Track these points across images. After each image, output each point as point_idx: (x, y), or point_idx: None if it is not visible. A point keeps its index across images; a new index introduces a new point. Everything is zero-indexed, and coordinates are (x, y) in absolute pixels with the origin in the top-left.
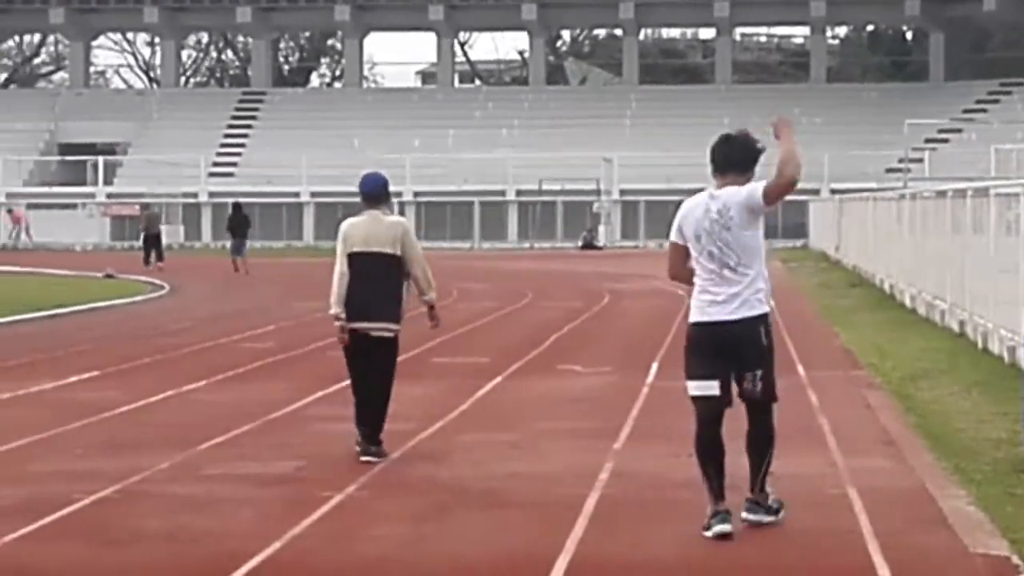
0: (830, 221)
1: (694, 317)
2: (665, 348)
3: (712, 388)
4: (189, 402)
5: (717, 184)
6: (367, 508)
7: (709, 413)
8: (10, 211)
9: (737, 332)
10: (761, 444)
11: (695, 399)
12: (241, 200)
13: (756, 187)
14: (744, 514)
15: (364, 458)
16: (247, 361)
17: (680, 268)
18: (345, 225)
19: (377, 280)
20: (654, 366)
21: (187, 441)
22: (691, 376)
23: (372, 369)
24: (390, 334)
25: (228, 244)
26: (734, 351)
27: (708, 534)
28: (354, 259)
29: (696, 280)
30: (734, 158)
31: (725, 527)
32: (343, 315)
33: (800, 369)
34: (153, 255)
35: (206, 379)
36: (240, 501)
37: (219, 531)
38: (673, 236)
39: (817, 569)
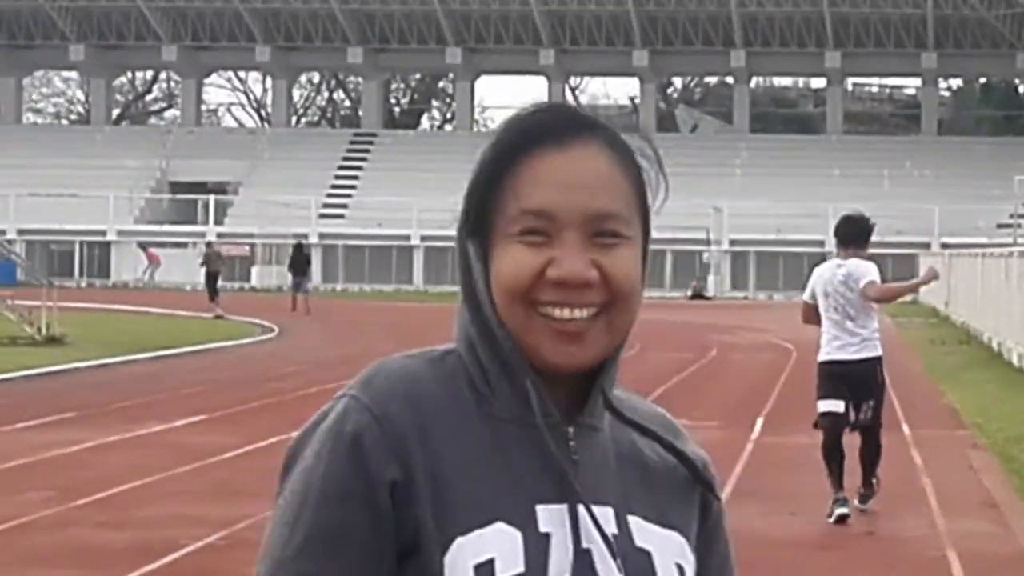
0: (940, 276)
1: (824, 357)
2: (771, 404)
3: (838, 406)
4: None
5: (840, 255)
6: None
7: (833, 426)
8: (144, 248)
9: (858, 370)
10: (870, 455)
11: (823, 414)
12: (304, 241)
13: (866, 281)
14: (858, 504)
15: None
16: None
17: (810, 318)
18: None
19: None
20: (759, 422)
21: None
22: (821, 397)
23: None
24: None
25: (290, 282)
26: (855, 384)
27: (831, 519)
28: None
29: (825, 328)
30: (853, 235)
31: (844, 510)
32: None
33: (905, 427)
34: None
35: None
36: None
37: None
38: (806, 296)
39: None
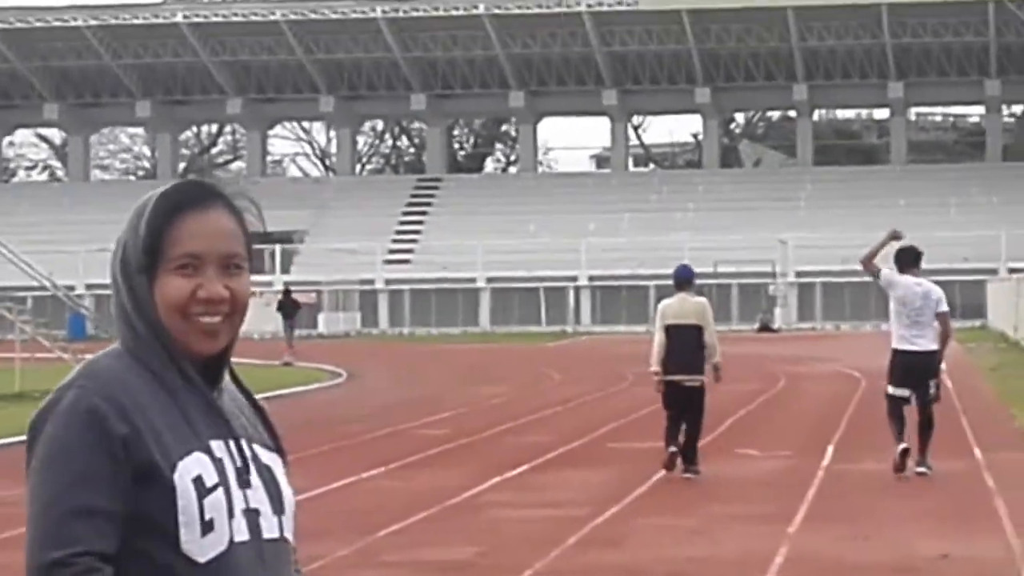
0: (1009, 301)
1: (898, 346)
2: (841, 431)
3: (904, 392)
4: (367, 489)
5: (906, 273)
6: None
7: (897, 405)
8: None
9: (923, 358)
10: (926, 428)
11: (891, 397)
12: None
13: (944, 308)
14: (916, 468)
15: (687, 475)
16: (423, 448)
17: (872, 267)
18: (662, 305)
19: (687, 344)
20: (830, 449)
21: (366, 528)
22: (892, 383)
23: (685, 410)
24: (698, 383)
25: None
26: (919, 370)
27: (896, 456)
28: (669, 330)
29: (898, 324)
30: (911, 261)
31: (905, 445)
32: (660, 371)
33: (976, 451)
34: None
35: (383, 466)
36: None
37: None
38: (886, 270)
39: None
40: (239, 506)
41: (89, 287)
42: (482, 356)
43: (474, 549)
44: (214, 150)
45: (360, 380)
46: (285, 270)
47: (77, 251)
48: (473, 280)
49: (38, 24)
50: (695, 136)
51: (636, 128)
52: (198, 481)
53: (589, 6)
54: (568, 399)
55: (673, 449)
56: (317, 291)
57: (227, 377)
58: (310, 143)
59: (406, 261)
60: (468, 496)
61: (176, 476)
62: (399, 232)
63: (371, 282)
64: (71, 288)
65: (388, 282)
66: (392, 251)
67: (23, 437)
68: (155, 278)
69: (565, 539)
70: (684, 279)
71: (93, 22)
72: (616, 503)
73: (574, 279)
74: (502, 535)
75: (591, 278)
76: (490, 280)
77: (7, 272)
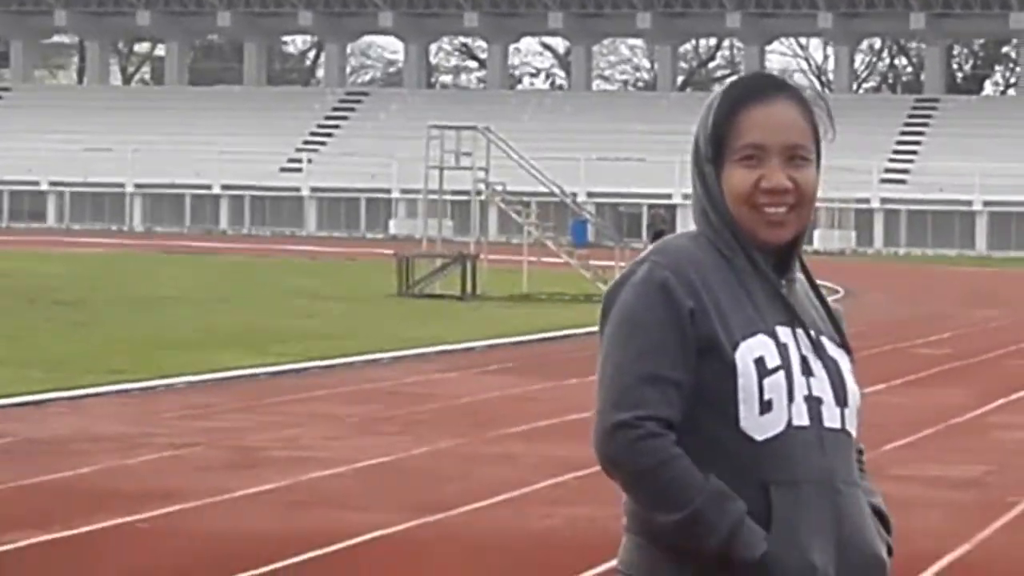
0: None
1: None
2: None
3: None
4: (871, 404)
5: None
6: None
7: None
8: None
9: None
10: None
11: None
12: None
13: None
14: None
15: None
16: (926, 366)
17: None
18: None
19: None
20: None
21: (872, 442)
22: None
23: None
24: None
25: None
26: None
27: None
28: None
29: None
30: None
31: None
32: None
33: None
34: None
35: (885, 383)
36: (929, 503)
37: (907, 531)
38: None
39: None
40: (800, 391)
41: (591, 195)
42: (979, 279)
43: (983, 467)
44: (712, 64)
45: (857, 297)
46: None
47: (578, 159)
48: (970, 203)
49: None
50: None
51: None
52: (760, 362)
53: None
54: None
55: None
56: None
57: (799, 270)
58: (807, 59)
59: (902, 181)
60: (973, 416)
61: (738, 355)
62: (896, 152)
63: (867, 201)
64: (574, 195)
65: (884, 201)
66: (888, 170)
67: (537, 335)
68: (722, 168)
69: None
70: None
71: None
72: None
73: None
74: (1010, 455)
75: None
76: (987, 203)
77: (516, 176)
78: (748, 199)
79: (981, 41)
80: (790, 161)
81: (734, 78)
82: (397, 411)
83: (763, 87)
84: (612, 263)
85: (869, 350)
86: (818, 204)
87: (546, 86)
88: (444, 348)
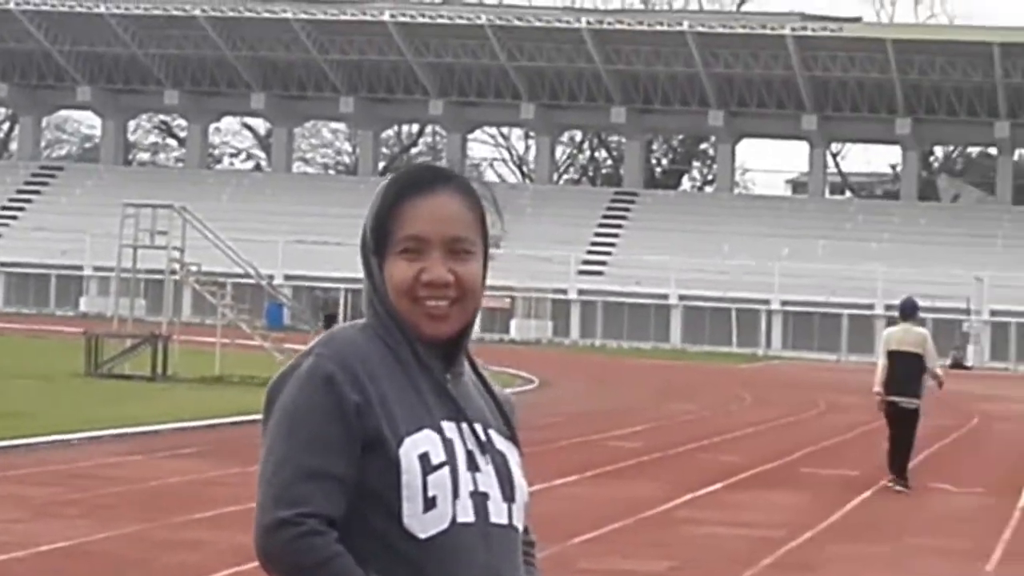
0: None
1: None
2: None
3: None
4: (561, 496)
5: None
6: None
7: None
8: None
9: None
10: None
11: None
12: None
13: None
14: None
15: (897, 488)
16: (617, 459)
17: None
18: (887, 332)
19: (908, 370)
20: None
21: (561, 534)
22: None
23: (902, 429)
24: (914, 406)
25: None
26: None
27: None
28: (892, 356)
29: None
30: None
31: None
32: (882, 392)
33: None
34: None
35: (577, 474)
36: None
37: None
38: None
39: None
40: (466, 487)
41: (288, 277)
42: (673, 373)
43: (668, 563)
44: (414, 150)
45: (552, 388)
46: None
47: (276, 240)
48: (665, 296)
49: (248, 14)
50: (893, 167)
51: (835, 155)
52: (424, 457)
53: (793, 30)
54: (760, 421)
55: (895, 485)
56: (511, 297)
57: (467, 364)
58: (508, 149)
59: (600, 273)
60: (662, 510)
61: (402, 450)
62: (594, 243)
63: (564, 291)
64: (270, 277)
65: (581, 292)
66: (586, 262)
67: (228, 419)
68: (385, 260)
69: (759, 560)
70: (909, 310)
71: (302, 15)
72: (810, 528)
73: (766, 303)
74: (696, 550)
75: (783, 303)
76: (682, 298)
77: (212, 257)
78: (409, 292)
79: (680, 137)
80: (452, 254)
81: (401, 169)
82: (81, 494)
83: (428, 179)
84: (307, 346)
85: (562, 441)
86: (515, 293)
87: (247, 167)
88: (131, 430)
